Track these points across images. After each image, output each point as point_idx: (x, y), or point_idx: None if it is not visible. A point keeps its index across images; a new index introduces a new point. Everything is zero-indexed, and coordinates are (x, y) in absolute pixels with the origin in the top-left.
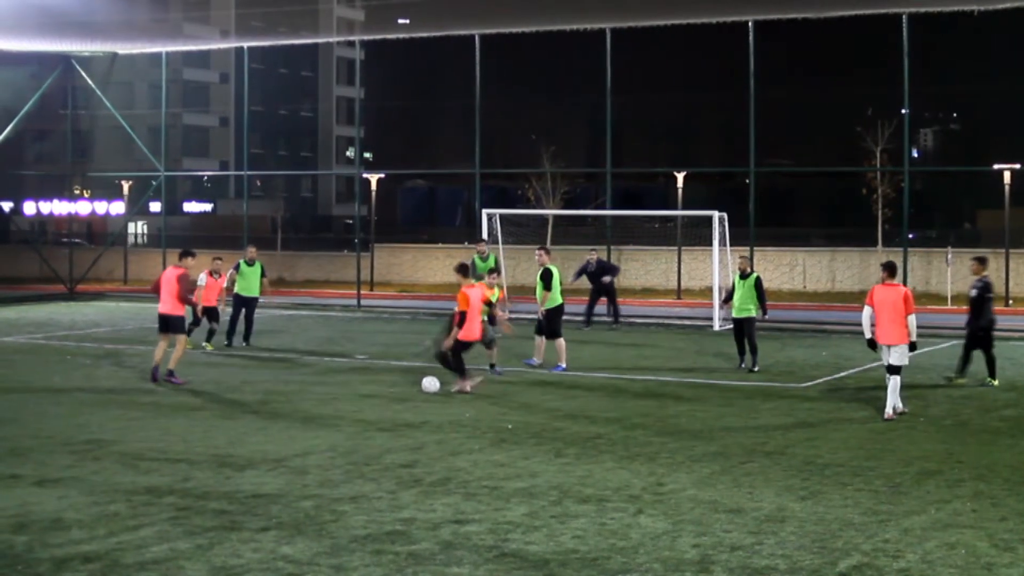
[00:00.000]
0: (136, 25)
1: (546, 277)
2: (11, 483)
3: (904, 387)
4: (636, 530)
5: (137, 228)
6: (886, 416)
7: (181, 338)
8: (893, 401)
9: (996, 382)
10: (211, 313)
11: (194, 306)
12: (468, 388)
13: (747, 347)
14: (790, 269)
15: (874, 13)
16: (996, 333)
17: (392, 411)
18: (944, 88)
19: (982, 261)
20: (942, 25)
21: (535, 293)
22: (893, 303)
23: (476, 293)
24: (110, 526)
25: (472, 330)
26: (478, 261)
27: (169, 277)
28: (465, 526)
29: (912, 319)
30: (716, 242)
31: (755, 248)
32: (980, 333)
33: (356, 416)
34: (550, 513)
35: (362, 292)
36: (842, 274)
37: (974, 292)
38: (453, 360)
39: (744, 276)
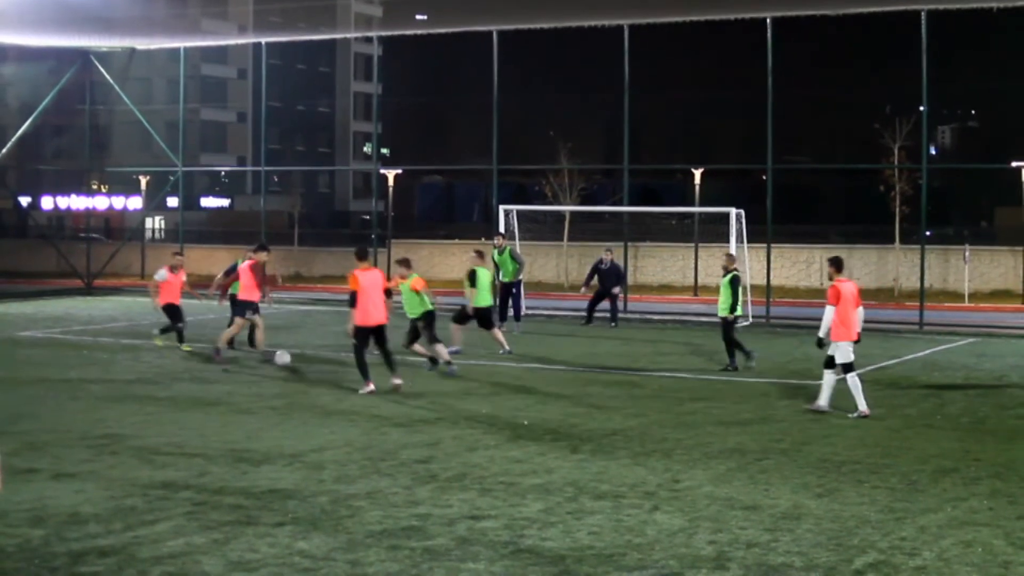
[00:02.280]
0: (154, 20)
1: (471, 276)
2: (28, 477)
3: (921, 384)
4: (652, 526)
5: (154, 223)
6: (865, 413)
7: (238, 320)
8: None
9: None
10: (175, 312)
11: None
12: (368, 389)
13: (734, 346)
14: (807, 266)
15: (893, 10)
16: (1013, 330)
17: (408, 407)
18: (963, 85)
19: None
20: (961, 22)
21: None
22: (856, 298)
23: (369, 276)
24: (126, 520)
25: (368, 314)
26: (495, 254)
27: (244, 268)
28: (481, 522)
29: (862, 312)
30: (734, 239)
31: (772, 245)
32: None
33: (372, 411)
34: (566, 509)
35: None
36: (859, 271)
37: None
38: (356, 356)
39: (725, 274)
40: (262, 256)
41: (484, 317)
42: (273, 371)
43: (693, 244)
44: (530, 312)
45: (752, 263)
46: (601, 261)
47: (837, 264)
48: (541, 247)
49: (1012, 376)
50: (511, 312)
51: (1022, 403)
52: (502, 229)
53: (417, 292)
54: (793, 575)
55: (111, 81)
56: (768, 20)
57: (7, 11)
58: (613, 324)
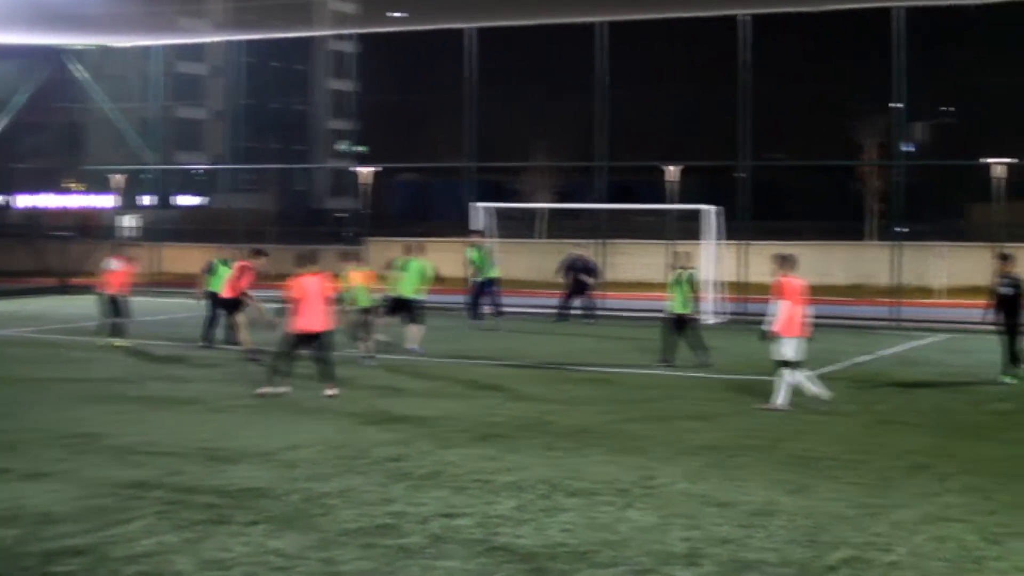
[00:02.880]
0: (129, 18)
1: (401, 265)
2: (2, 477)
3: (894, 380)
4: (625, 523)
5: (129, 222)
6: (779, 407)
7: (239, 318)
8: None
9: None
10: (118, 304)
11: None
12: (267, 392)
13: (690, 344)
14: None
15: (869, 7)
16: (986, 326)
17: (382, 405)
18: (938, 82)
19: (1007, 259)
20: (936, 19)
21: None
22: (802, 294)
23: (310, 282)
24: (100, 520)
25: (308, 321)
26: (473, 252)
27: (237, 267)
28: (455, 520)
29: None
30: (710, 236)
31: (749, 242)
32: (1021, 329)
33: (345, 409)
34: (539, 507)
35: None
36: (834, 268)
37: (1011, 291)
38: (277, 355)
39: (684, 269)
40: (260, 261)
41: (403, 306)
42: (245, 370)
43: (669, 241)
44: (506, 310)
45: (728, 260)
46: (571, 258)
47: (785, 261)
48: (517, 244)
49: (985, 372)
50: (485, 309)
51: (995, 399)
52: (481, 227)
53: (363, 285)
54: (767, 571)
55: (86, 79)
56: (744, 17)
57: None
58: (590, 321)
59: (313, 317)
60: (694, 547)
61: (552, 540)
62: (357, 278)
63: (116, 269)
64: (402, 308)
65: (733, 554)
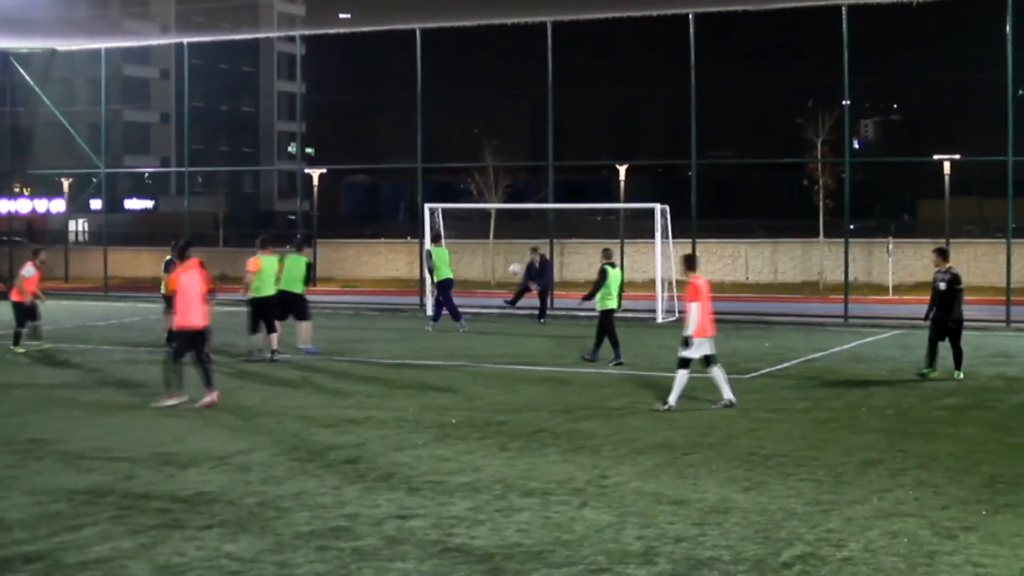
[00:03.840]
0: (75, 21)
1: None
2: None
3: (846, 377)
4: (580, 523)
5: (78, 226)
6: (732, 401)
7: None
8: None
9: (963, 375)
10: (31, 310)
11: (35, 297)
12: (171, 403)
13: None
14: (732, 261)
15: (814, 5)
16: (921, 323)
17: (335, 407)
18: (884, 79)
19: (944, 253)
20: (881, 16)
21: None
22: (709, 293)
23: (188, 276)
24: (52, 526)
25: (186, 317)
26: (432, 251)
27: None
28: (409, 521)
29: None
30: (659, 235)
31: (697, 240)
32: (951, 325)
33: (299, 412)
34: (494, 507)
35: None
36: (784, 265)
37: (943, 285)
38: (168, 363)
39: (613, 266)
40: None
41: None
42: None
43: (619, 240)
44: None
45: (678, 258)
46: (532, 263)
47: (690, 262)
48: (467, 245)
49: (936, 368)
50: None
51: (946, 394)
52: (427, 228)
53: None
54: (721, 568)
55: (32, 83)
56: (691, 16)
57: None
58: (542, 320)
59: (192, 313)
60: (649, 545)
61: (508, 540)
62: (264, 266)
63: (32, 276)
64: (290, 306)
65: (688, 552)
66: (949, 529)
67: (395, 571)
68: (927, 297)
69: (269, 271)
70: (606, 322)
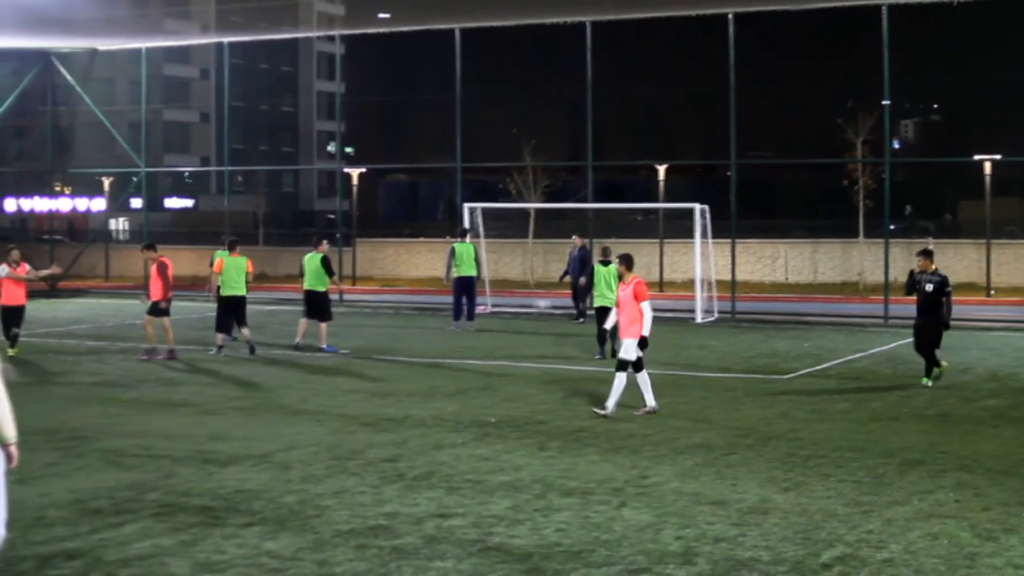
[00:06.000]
0: (116, 21)
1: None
2: None
3: (886, 378)
4: (620, 523)
5: (118, 224)
6: (654, 408)
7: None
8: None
9: (931, 382)
10: (19, 314)
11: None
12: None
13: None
14: (772, 261)
15: (854, 5)
16: (977, 323)
17: (375, 406)
18: (925, 79)
19: (929, 254)
20: (922, 16)
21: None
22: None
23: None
24: (93, 523)
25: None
26: (459, 248)
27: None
28: (448, 520)
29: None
30: (699, 235)
31: (737, 240)
32: (942, 328)
33: (339, 411)
34: (533, 506)
35: (344, 287)
36: (824, 266)
37: (929, 287)
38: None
39: (605, 264)
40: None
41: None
42: (238, 371)
43: (658, 240)
44: (496, 309)
45: (717, 258)
46: (572, 252)
47: (628, 261)
48: (506, 244)
49: (977, 368)
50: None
51: (987, 395)
52: (469, 225)
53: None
54: (760, 569)
55: (73, 82)
56: (730, 16)
57: None
58: (581, 320)
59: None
60: (688, 546)
61: (547, 540)
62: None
63: (5, 277)
64: (313, 305)
65: (727, 552)
66: (990, 531)
67: (434, 570)
68: (970, 298)
69: (233, 271)
70: (598, 319)
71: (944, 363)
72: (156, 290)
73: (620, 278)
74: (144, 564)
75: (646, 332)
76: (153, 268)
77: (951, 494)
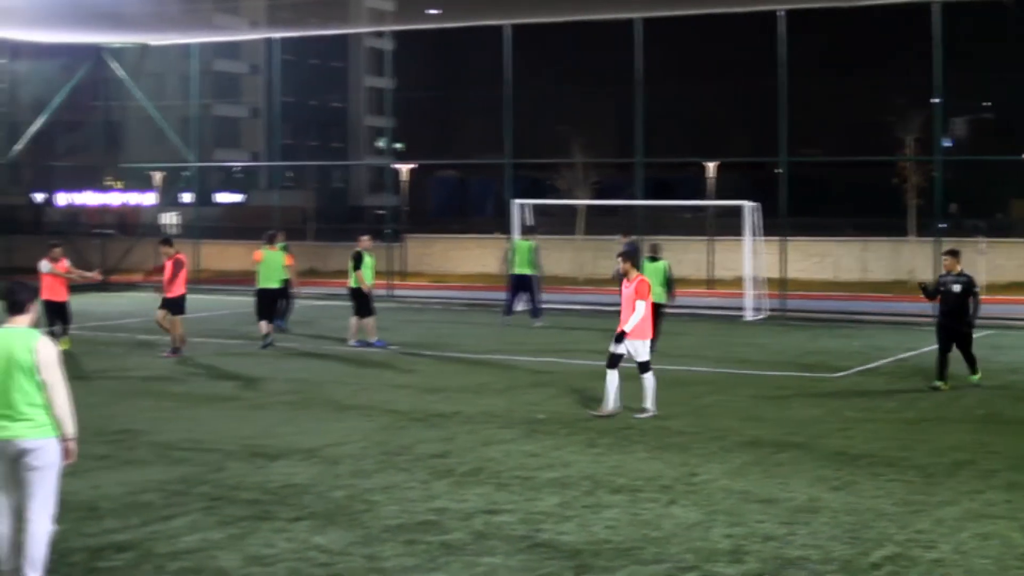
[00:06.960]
0: (166, 16)
1: (356, 259)
2: None
3: (935, 377)
4: (668, 520)
5: (169, 219)
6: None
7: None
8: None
9: (980, 376)
10: (60, 310)
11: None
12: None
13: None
14: (821, 259)
15: (906, 2)
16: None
17: (424, 401)
18: (976, 77)
19: (956, 254)
20: (974, 13)
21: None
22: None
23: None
24: (143, 516)
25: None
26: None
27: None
28: (497, 516)
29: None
30: (749, 233)
31: (787, 238)
32: (966, 331)
33: (388, 406)
34: (582, 503)
35: (394, 282)
36: (873, 264)
37: (956, 288)
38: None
39: (653, 260)
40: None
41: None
42: (287, 366)
43: (707, 237)
44: (546, 306)
45: (767, 256)
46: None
47: (634, 258)
48: (555, 241)
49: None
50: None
51: None
52: (515, 223)
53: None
54: (810, 568)
55: (124, 77)
56: (781, 12)
57: (21, 8)
58: None
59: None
60: (737, 544)
61: (596, 536)
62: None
63: (51, 270)
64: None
65: (776, 551)
66: None
67: (483, 566)
68: (1021, 297)
69: (271, 264)
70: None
71: (978, 374)
72: (171, 286)
73: (625, 275)
74: (194, 557)
75: (627, 328)
76: (168, 264)
77: (1002, 494)
